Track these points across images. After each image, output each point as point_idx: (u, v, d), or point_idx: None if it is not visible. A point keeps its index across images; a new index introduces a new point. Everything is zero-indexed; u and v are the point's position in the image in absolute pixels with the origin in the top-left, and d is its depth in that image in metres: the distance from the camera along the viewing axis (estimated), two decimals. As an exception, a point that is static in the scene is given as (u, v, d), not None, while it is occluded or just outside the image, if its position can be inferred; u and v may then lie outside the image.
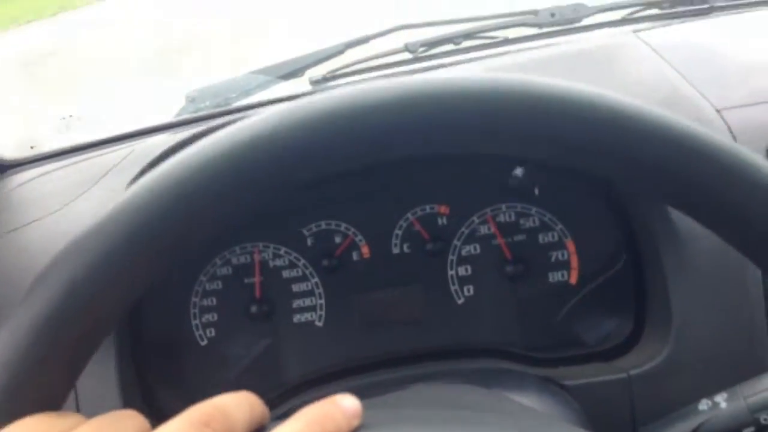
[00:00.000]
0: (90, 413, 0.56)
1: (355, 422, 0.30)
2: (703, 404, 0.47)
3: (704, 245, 0.58)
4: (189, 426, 0.28)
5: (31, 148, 0.78)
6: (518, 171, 0.69)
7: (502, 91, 0.33)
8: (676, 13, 0.96)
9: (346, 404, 0.31)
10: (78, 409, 0.57)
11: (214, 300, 0.68)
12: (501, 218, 0.69)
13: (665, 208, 0.59)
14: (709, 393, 0.48)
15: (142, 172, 0.65)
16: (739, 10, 0.95)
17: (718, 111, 0.64)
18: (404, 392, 0.50)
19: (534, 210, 0.69)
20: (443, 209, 0.70)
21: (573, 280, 0.69)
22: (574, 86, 0.34)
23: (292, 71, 0.90)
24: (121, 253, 0.32)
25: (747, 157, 0.33)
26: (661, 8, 0.96)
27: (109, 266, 0.32)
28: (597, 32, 0.92)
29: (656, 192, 0.36)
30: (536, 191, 0.68)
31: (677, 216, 0.59)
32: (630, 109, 0.33)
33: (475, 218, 0.69)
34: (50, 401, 0.33)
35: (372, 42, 0.95)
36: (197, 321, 0.68)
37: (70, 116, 0.80)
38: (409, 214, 0.69)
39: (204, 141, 0.34)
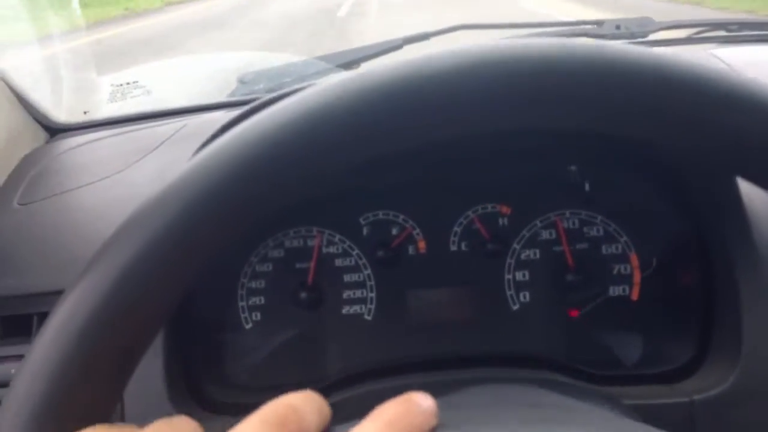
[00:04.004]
0: (134, 407, 0.53)
1: (433, 422, 0.29)
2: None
3: None
4: (265, 426, 0.27)
5: (85, 113, 0.76)
6: (573, 167, 0.67)
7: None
8: (742, 36, 0.94)
9: (423, 403, 0.29)
10: (122, 404, 0.55)
11: (263, 283, 0.66)
12: (565, 224, 0.67)
13: (746, 225, 0.57)
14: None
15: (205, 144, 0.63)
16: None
17: None
18: (469, 393, 0.47)
19: (599, 218, 0.67)
20: (505, 209, 0.67)
21: (634, 296, 0.66)
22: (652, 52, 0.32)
23: (349, 61, 0.88)
24: (179, 229, 0.30)
25: None
26: (728, 30, 0.94)
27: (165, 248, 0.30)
28: (668, 48, 0.90)
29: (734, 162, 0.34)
30: (587, 187, 0.66)
31: (758, 235, 0.57)
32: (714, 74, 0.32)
33: (537, 222, 0.67)
34: (99, 412, 0.30)
35: (432, 39, 0.93)
36: (244, 303, 0.65)
37: (128, 84, 0.79)
38: (470, 212, 0.67)
39: (285, 102, 0.32)
